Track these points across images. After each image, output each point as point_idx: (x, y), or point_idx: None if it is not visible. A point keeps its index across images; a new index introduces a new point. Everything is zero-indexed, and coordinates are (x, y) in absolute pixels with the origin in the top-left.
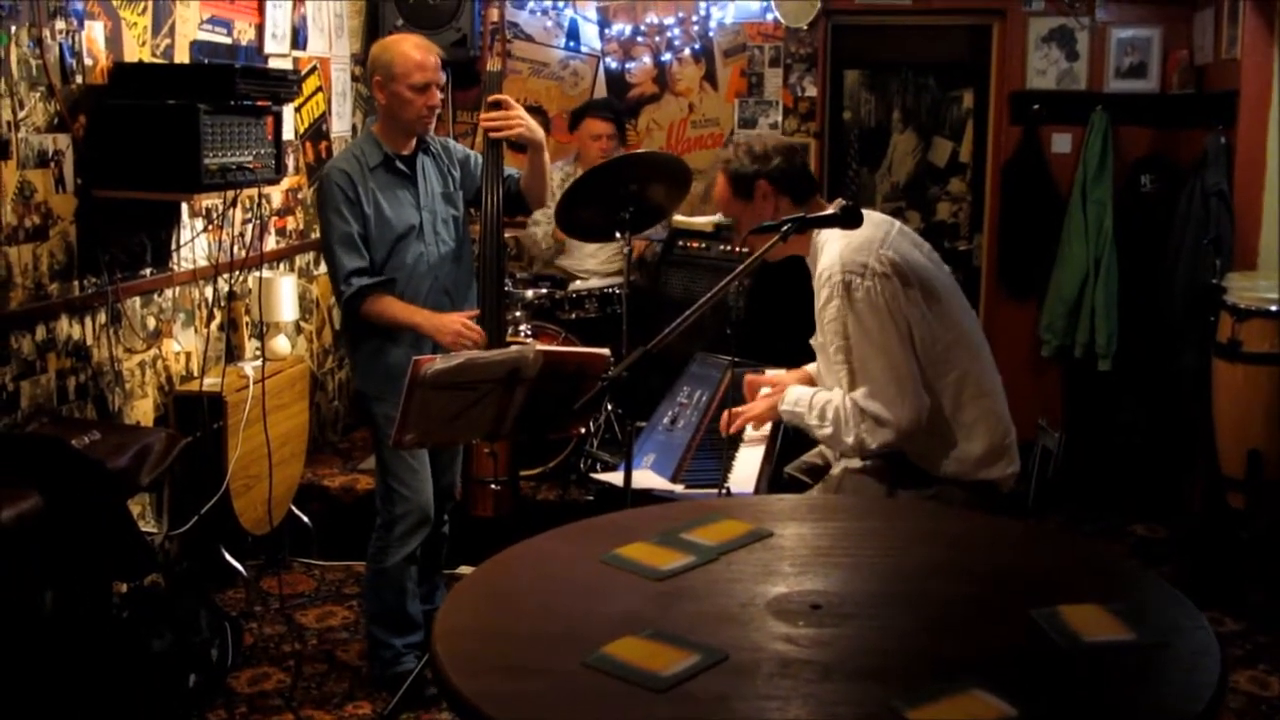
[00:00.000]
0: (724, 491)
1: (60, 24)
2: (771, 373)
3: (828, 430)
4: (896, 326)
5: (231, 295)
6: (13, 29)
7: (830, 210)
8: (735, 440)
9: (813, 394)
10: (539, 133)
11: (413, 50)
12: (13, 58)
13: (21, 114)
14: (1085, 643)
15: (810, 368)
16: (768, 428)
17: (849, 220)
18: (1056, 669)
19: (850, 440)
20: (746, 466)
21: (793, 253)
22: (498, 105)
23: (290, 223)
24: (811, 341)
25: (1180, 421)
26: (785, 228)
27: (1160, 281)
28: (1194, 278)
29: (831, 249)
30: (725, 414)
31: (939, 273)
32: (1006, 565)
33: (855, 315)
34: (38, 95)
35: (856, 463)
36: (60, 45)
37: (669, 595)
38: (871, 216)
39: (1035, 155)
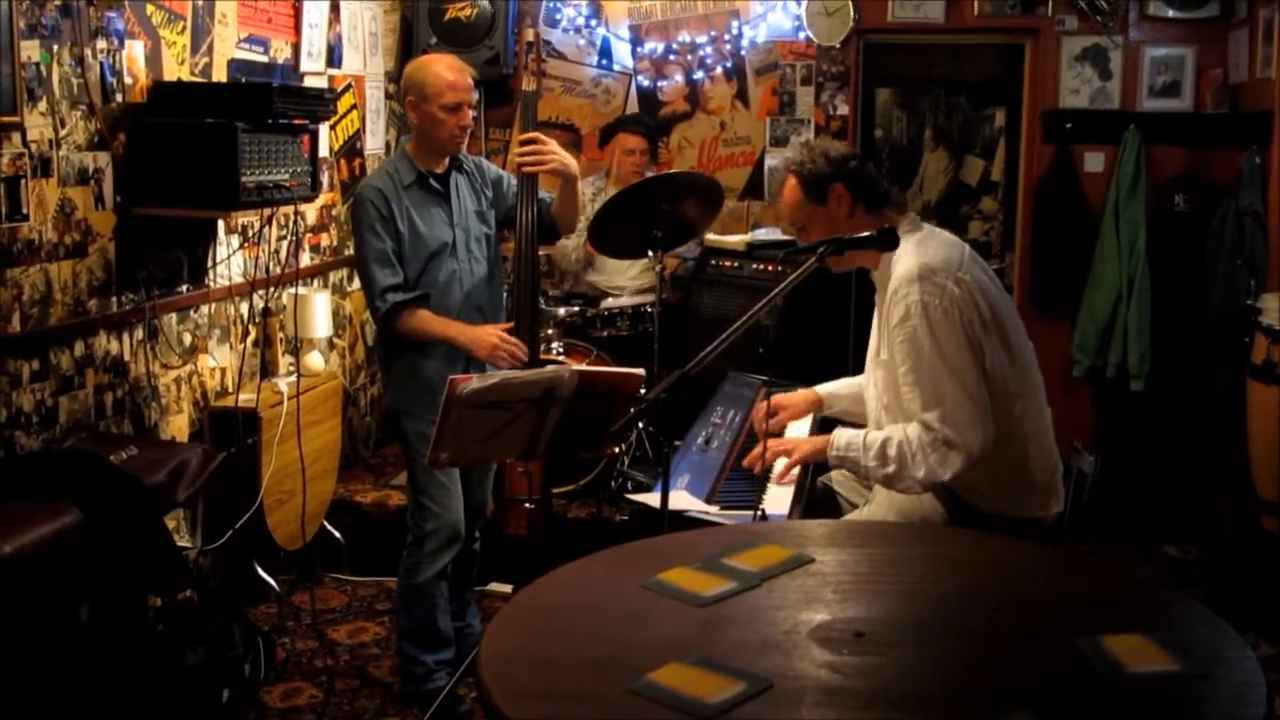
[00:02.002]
0: (759, 513)
1: (101, 43)
2: (779, 398)
3: (890, 470)
4: (972, 350)
5: (266, 311)
6: (55, 48)
7: (881, 229)
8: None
9: (864, 435)
10: (572, 166)
11: (446, 71)
12: (55, 77)
13: (63, 132)
14: (1129, 673)
15: (827, 387)
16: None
17: (886, 241)
18: (1100, 699)
19: (920, 474)
20: (781, 488)
21: (860, 265)
22: (532, 140)
23: (324, 239)
24: (872, 356)
25: (1213, 443)
26: (821, 249)
27: (1193, 302)
28: (1228, 299)
29: (907, 265)
30: (760, 445)
31: (1004, 299)
32: (1046, 592)
33: (933, 337)
34: (79, 114)
35: (898, 498)
36: (101, 64)
37: (712, 622)
38: (944, 236)
39: (1068, 174)
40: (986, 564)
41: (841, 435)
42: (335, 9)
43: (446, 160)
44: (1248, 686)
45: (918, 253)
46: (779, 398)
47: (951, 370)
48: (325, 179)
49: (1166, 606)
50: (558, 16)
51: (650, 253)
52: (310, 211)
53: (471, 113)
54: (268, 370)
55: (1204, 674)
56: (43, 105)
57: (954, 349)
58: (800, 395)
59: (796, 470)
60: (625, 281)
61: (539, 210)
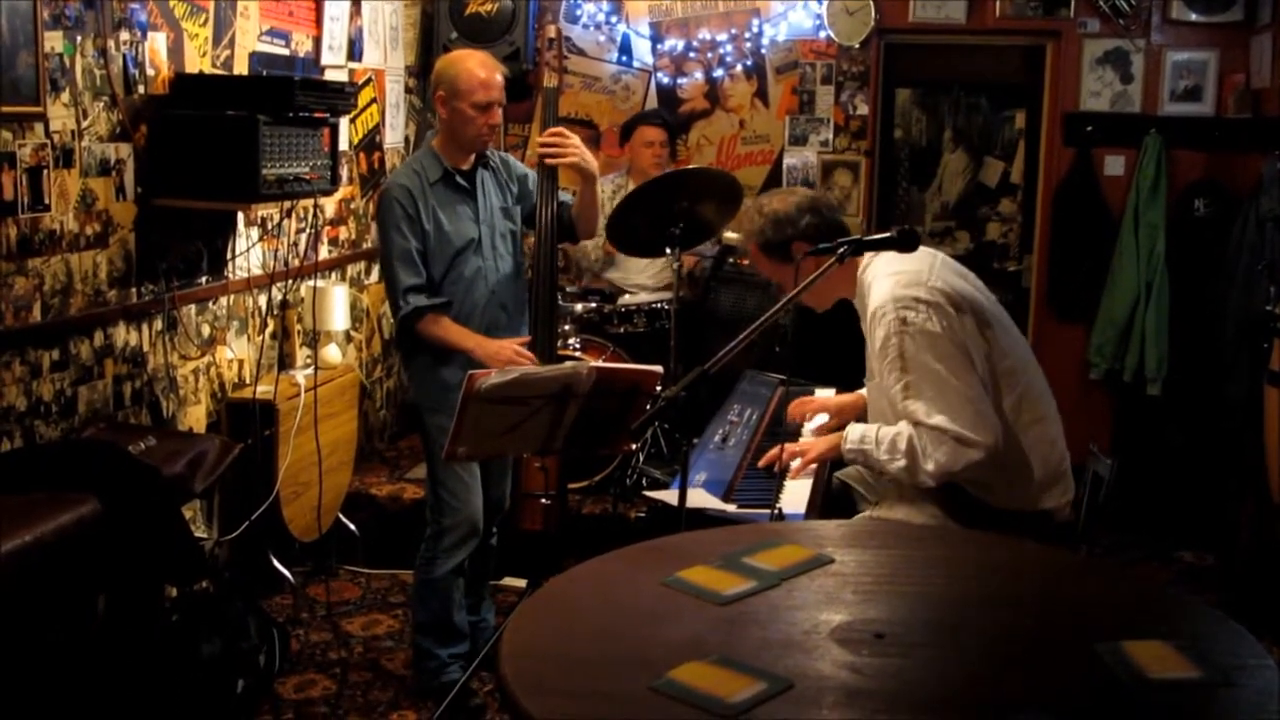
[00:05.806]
0: (776, 512)
1: (124, 35)
2: (821, 394)
3: (901, 463)
4: (959, 353)
5: (284, 304)
6: (78, 39)
7: (901, 229)
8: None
9: (877, 429)
10: (593, 164)
11: (477, 68)
12: (78, 68)
13: (85, 123)
14: (1150, 679)
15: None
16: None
17: (906, 241)
18: (1121, 705)
19: (931, 466)
20: (798, 487)
21: (839, 296)
22: (555, 134)
23: (343, 232)
24: (866, 384)
25: (1229, 449)
26: (841, 250)
27: (1212, 307)
28: (1247, 304)
29: (881, 288)
30: (778, 449)
31: (986, 300)
32: (1066, 597)
33: (916, 348)
34: (101, 105)
35: (905, 503)
36: (124, 56)
37: (732, 620)
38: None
39: (1088, 177)
40: (1006, 567)
41: (855, 430)
42: (356, 3)
43: (473, 157)
44: (1268, 694)
45: (887, 272)
46: (826, 401)
47: (946, 376)
48: (345, 172)
49: (1185, 612)
50: (578, 12)
51: (668, 250)
52: (329, 205)
53: (500, 111)
54: (285, 362)
55: (1224, 681)
56: (65, 96)
57: (942, 357)
58: (848, 398)
59: (814, 466)
60: (643, 279)
61: (559, 211)
